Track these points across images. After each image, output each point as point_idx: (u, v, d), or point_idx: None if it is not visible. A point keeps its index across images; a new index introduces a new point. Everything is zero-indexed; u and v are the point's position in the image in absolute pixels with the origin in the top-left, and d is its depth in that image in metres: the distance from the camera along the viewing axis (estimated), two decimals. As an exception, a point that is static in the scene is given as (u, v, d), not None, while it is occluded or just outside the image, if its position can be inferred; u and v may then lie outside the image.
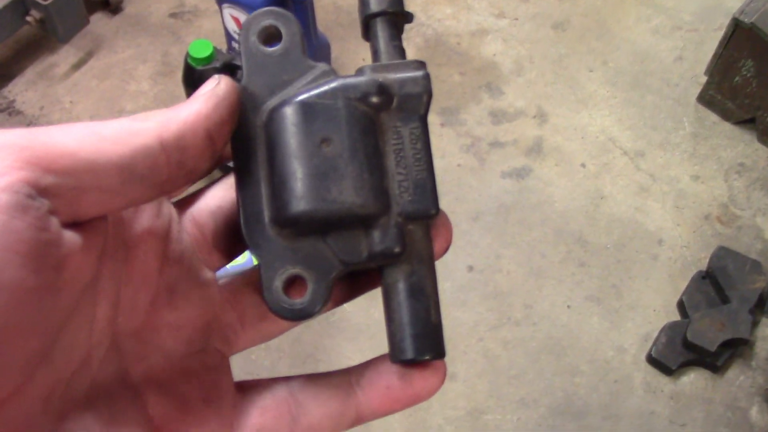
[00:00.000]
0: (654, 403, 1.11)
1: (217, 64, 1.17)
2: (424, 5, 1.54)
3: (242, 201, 0.30)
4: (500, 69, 1.45)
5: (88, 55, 1.45)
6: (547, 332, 1.17)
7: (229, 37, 1.34)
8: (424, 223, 0.30)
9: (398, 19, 0.32)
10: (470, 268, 1.21)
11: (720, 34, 1.33)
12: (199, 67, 1.17)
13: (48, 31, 1.39)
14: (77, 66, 1.44)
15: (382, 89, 0.30)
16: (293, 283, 0.30)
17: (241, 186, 0.30)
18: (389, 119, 0.30)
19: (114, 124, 0.26)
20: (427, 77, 0.30)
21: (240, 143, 0.30)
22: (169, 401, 0.29)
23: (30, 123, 1.36)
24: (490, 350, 1.15)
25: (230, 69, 1.18)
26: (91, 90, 1.41)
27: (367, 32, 0.32)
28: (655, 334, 1.15)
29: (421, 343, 0.29)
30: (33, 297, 0.23)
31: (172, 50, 1.46)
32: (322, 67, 0.31)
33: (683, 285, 1.19)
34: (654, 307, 1.19)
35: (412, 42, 1.48)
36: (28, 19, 1.36)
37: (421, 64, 0.31)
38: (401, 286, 0.30)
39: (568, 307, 1.19)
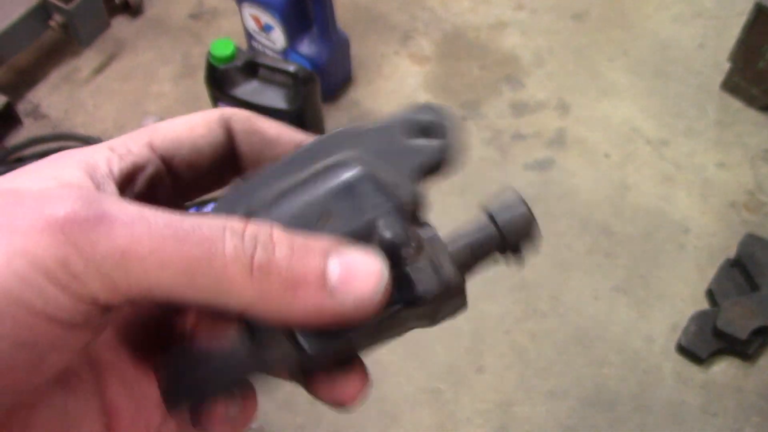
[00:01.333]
0: (685, 392, 1.11)
1: (239, 63, 1.18)
2: (442, -1, 1.53)
3: None
4: (520, 61, 1.45)
5: (110, 58, 1.47)
6: (574, 323, 1.16)
7: (249, 37, 1.34)
8: None
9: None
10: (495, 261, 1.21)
11: (742, 20, 1.31)
12: (221, 66, 1.17)
13: (70, 35, 1.41)
14: (100, 69, 1.45)
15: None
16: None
17: None
18: None
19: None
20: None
21: None
22: None
23: (55, 126, 1.37)
24: (518, 342, 1.15)
25: (251, 67, 1.19)
26: (114, 92, 1.42)
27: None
28: (683, 324, 1.14)
29: None
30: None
31: (193, 51, 1.47)
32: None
33: (711, 273, 1.18)
34: (682, 296, 1.18)
35: (431, 37, 1.48)
36: (51, 24, 1.38)
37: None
38: None
39: (595, 297, 1.18)
